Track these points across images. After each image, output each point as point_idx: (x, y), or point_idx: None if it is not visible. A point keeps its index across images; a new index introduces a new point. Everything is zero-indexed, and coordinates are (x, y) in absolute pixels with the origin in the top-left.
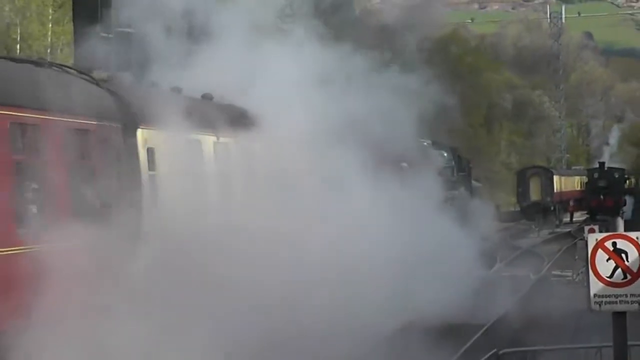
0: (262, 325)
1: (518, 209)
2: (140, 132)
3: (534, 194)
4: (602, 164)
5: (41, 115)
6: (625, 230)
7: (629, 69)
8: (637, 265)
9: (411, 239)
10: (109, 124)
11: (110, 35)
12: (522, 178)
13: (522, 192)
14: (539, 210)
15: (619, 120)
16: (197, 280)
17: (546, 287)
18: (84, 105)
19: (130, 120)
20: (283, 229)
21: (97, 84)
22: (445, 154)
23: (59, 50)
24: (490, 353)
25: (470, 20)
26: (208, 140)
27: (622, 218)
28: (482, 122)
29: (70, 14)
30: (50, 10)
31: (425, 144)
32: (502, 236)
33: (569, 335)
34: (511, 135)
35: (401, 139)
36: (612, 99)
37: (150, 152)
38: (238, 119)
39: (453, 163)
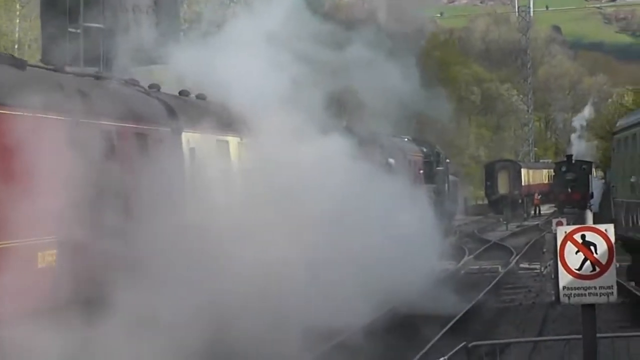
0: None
1: (486, 202)
2: (184, 135)
3: (502, 187)
4: (569, 156)
5: (116, 123)
6: (593, 223)
7: (597, 63)
8: (606, 258)
9: (387, 231)
10: (161, 128)
11: (78, 31)
12: (490, 171)
13: (490, 185)
14: (507, 204)
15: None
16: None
17: (515, 279)
18: (143, 113)
19: (176, 125)
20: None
21: (148, 94)
22: (425, 150)
23: (26, 46)
24: (460, 346)
25: (439, 15)
26: (234, 141)
27: (590, 211)
28: (452, 116)
29: (38, 9)
30: (17, 6)
31: (405, 140)
32: (471, 229)
33: (538, 328)
34: (480, 128)
35: (388, 136)
36: (579, 92)
37: (192, 151)
38: (248, 119)
39: (432, 158)
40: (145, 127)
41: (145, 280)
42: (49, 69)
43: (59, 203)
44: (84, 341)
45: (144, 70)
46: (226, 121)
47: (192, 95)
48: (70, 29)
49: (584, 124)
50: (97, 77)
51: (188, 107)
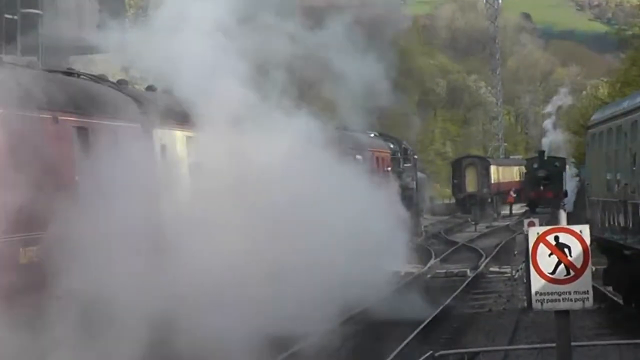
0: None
1: (453, 201)
2: (155, 132)
3: (470, 185)
4: (541, 152)
5: (91, 119)
6: (567, 223)
7: (569, 52)
8: (581, 261)
9: (351, 233)
10: (133, 125)
11: (15, 17)
12: (457, 168)
13: (457, 183)
14: (476, 203)
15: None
16: None
17: (484, 284)
18: (116, 110)
19: (147, 122)
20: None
21: (121, 90)
22: (392, 145)
23: None
24: (426, 355)
25: (402, 1)
26: (203, 138)
27: (564, 210)
28: (415, 109)
29: None
30: None
31: (372, 135)
32: (437, 230)
33: (509, 335)
34: (446, 123)
35: (355, 131)
36: (551, 84)
37: (163, 148)
38: (214, 114)
39: (399, 154)
40: (116, 123)
41: (102, 279)
42: (21, 66)
43: (35, 200)
44: (24, 340)
45: (85, 59)
46: (195, 117)
47: (159, 90)
48: (6, 15)
49: (561, 105)
50: (69, 74)
51: (158, 102)
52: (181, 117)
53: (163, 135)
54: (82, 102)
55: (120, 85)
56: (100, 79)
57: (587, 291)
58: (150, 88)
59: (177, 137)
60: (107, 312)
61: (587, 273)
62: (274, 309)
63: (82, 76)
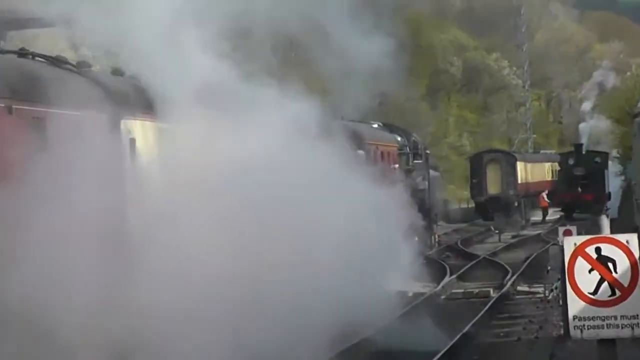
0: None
1: (472, 205)
2: (123, 123)
3: (493, 186)
4: (578, 146)
5: (48, 109)
6: (611, 232)
7: (609, 25)
8: (629, 278)
9: (350, 244)
10: (97, 114)
11: None
12: (477, 165)
13: (477, 183)
14: (499, 207)
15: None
16: None
17: (511, 307)
18: (78, 98)
19: (114, 111)
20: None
21: (83, 75)
22: (400, 138)
23: None
24: None
25: None
26: (177, 129)
27: (607, 216)
28: (425, 93)
29: None
30: None
31: (376, 126)
32: (453, 240)
33: None
34: (462, 110)
35: (355, 122)
36: (588, 63)
37: (132, 142)
38: (188, 102)
39: (408, 149)
40: (79, 113)
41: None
42: None
43: None
44: None
45: (27, 34)
46: (166, 107)
47: (127, 75)
48: None
49: (601, 80)
50: (21, 55)
51: (125, 89)
52: (152, 106)
53: (132, 126)
54: (40, 88)
55: (81, 68)
56: (59, 60)
57: (637, 315)
58: (116, 72)
59: (148, 129)
60: (58, 330)
61: (637, 293)
62: (252, 334)
63: (37, 57)
